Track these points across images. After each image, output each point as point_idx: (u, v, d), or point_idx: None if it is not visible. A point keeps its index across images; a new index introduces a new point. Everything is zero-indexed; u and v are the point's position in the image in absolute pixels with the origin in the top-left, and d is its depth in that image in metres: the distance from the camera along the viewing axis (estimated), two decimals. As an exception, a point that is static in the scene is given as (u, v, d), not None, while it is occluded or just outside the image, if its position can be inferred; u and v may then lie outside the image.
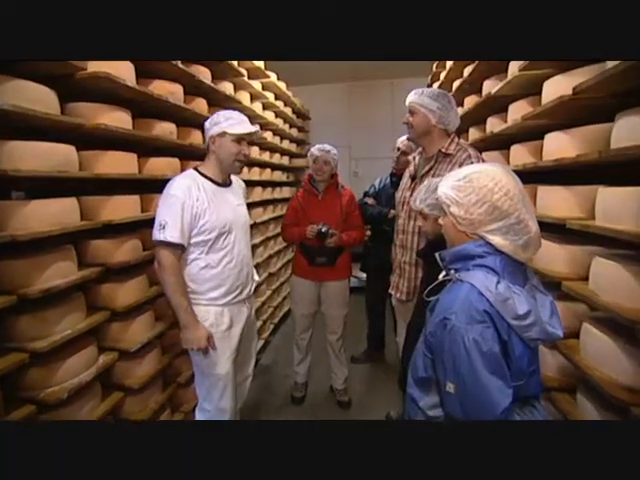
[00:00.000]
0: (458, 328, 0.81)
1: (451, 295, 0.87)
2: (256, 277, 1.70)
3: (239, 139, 1.45)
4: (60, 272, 1.30)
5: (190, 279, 1.46)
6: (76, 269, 1.40)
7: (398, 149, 2.44)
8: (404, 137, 2.43)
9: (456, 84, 2.50)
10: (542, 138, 1.57)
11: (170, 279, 1.36)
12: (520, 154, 1.62)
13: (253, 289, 1.65)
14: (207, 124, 1.47)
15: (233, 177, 1.61)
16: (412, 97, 1.60)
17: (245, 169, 3.04)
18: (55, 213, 1.28)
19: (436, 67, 3.19)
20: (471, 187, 0.86)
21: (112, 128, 1.46)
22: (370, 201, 2.54)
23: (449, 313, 0.83)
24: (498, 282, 0.83)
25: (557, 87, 1.24)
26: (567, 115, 1.28)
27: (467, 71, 2.23)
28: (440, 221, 0.98)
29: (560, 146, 1.27)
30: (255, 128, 1.47)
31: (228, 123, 1.42)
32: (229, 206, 1.49)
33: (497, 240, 0.85)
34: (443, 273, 1.03)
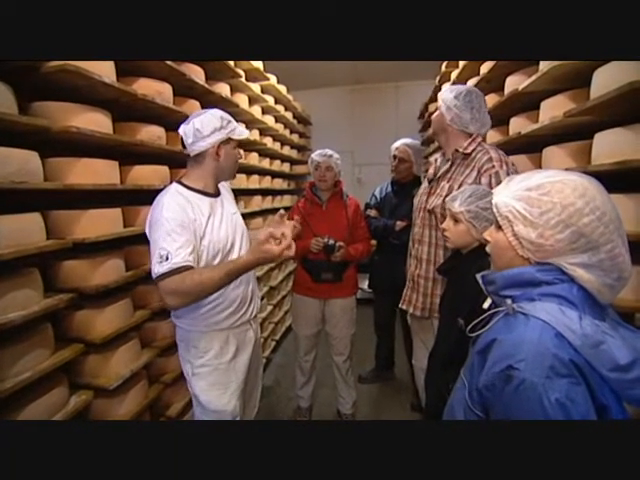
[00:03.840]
0: (532, 384, 0.59)
1: (515, 335, 0.64)
2: (258, 301, 1.47)
3: (237, 144, 1.30)
4: (17, 303, 1.08)
5: None
6: (40, 297, 1.19)
7: (394, 157, 2.29)
8: (398, 143, 2.30)
9: (471, 83, 2.30)
10: (582, 139, 1.37)
11: (200, 286, 1.06)
12: (558, 158, 1.41)
13: (258, 307, 1.43)
14: (202, 129, 1.18)
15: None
16: (444, 92, 1.47)
17: (244, 177, 2.86)
18: (12, 231, 1.07)
19: (446, 67, 3.01)
20: (550, 202, 0.63)
21: (86, 132, 1.26)
22: (373, 213, 2.37)
23: (516, 361, 0.61)
24: (580, 318, 0.61)
25: (617, 75, 1.04)
26: (627, 109, 1.08)
27: (485, 68, 2.04)
28: (487, 236, 0.75)
29: (620, 146, 1.07)
30: (248, 131, 1.34)
31: (231, 127, 1.24)
32: (226, 219, 1.29)
33: (580, 273, 0.63)
34: (489, 301, 0.81)
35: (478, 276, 0.76)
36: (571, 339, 0.60)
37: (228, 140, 1.24)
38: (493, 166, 1.31)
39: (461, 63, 2.52)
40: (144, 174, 1.64)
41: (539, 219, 0.64)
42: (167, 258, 1.06)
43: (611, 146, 1.12)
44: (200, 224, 1.18)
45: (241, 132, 1.27)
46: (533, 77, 1.49)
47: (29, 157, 1.12)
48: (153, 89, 1.64)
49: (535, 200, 0.65)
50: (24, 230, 1.12)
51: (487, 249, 0.76)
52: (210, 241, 1.19)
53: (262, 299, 3.01)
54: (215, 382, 1.26)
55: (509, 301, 0.68)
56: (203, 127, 1.19)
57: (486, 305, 0.76)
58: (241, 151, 1.32)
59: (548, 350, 0.59)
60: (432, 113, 1.62)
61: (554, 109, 1.43)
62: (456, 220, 1.17)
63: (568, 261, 0.63)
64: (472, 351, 0.76)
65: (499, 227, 0.71)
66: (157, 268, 1.07)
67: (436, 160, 1.57)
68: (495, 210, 0.71)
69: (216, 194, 1.31)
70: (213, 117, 1.21)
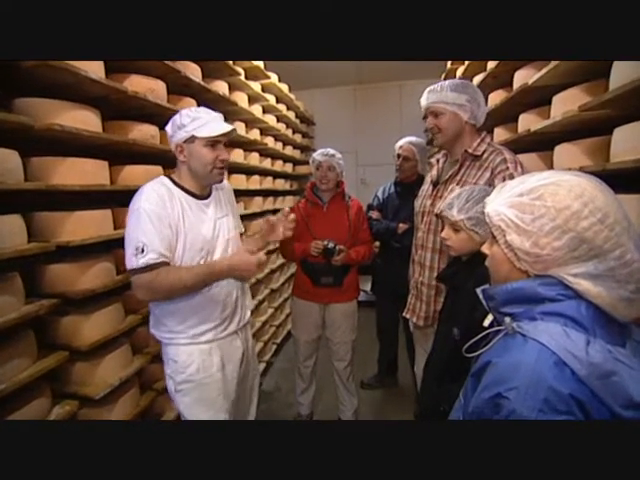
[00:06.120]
0: (522, 417, 0.52)
1: (509, 359, 0.57)
2: (248, 303, 1.39)
3: (213, 142, 1.15)
4: (-7, 309, 1.03)
5: (164, 315, 1.18)
6: (21, 303, 1.14)
7: (399, 156, 2.21)
8: (402, 141, 2.23)
9: (478, 79, 2.22)
10: (597, 135, 1.28)
11: (170, 286, 1.07)
12: (572, 155, 1.32)
13: (247, 317, 1.35)
14: (169, 129, 1.19)
15: None
16: (432, 96, 1.34)
17: (244, 177, 2.79)
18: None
19: (451, 64, 2.93)
20: (543, 207, 0.57)
21: (71, 130, 1.21)
22: (375, 215, 2.30)
23: (506, 389, 0.54)
24: (588, 342, 0.53)
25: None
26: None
27: (492, 63, 1.96)
28: (484, 249, 0.69)
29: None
30: (230, 127, 1.17)
31: (196, 124, 1.13)
32: (208, 221, 1.21)
33: (585, 286, 0.55)
34: (489, 318, 0.74)
35: (479, 290, 0.69)
36: (575, 368, 0.52)
37: (192, 139, 1.14)
38: (507, 168, 1.24)
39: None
40: (136, 174, 1.58)
41: (532, 226, 0.58)
42: (143, 251, 1.04)
43: (633, 142, 1.03)
44: (179, 220, 1.13)
45: (205, 132, 1.12)
46: (544, 70, 1.40)
47: (7, 156, 1.06)
48: (145, 86, 1.58)
49: (527, 206, 0.58)
50: (2, 232, 1.06)
51: (486, 263, 0.69)
52: (186, 242, 1.14)
53: (263, 301, 2.96)
54: (200, 398, 1.19)
55: (508, 319, 0.61)
56: (169, 128, 1.18)
57: (487, 323, 0.69)
58: (223, 152, 1.18)
59: (544, 380, 0.52)
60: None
61: (567, 103, 1.34)
62: (456, 229, 1.09)
63: (570, 272, 0.56)
64: (470, 372, 0.69)
65: (494, 238, 0.64)
66: (133, 261, 1.05)
67: (438, 161, 1.49)
68: (488, 220, 0.64)
69: (203, 197, 1.23)
70: (180, 116, 1.15)
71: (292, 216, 1.35)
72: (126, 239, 1.09)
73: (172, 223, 1.11)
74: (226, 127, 1.16)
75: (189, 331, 1.18)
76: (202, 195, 1.23)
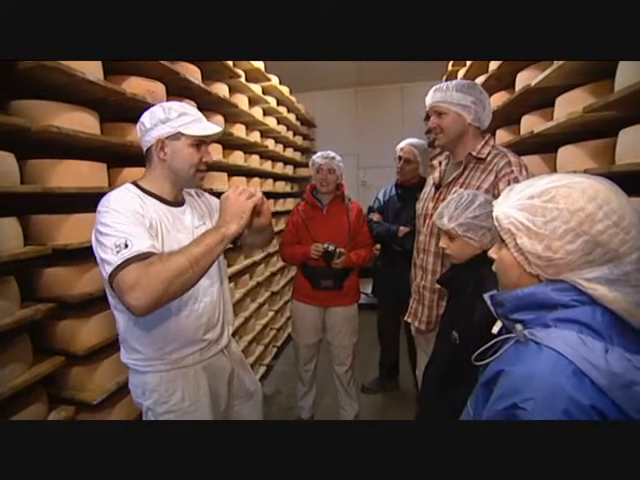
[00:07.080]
0: None
1: (523, 368, 0.55)
2: (231, 320, 1.24)
3: (199, 143, 1.03)
4: (-13, 314, 1.01)
5: (139, 340, 1.02)
6: (16, 307, 1.12)
7: (400, 158, 2.19)
8: (404, 143, 2.21)
9: (480, 81, 2.21)
10: (602, 137, 1.26)
11: (164, 274, 0.82)
12: (576, 158, 1.30)
13: (230, 334, 1.22)
14: (146, 121, 1.01)
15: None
16: (437, 95, 1.32)
17: (244, 180, 2.77)
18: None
19: (452, 65, 2.92)
20: (556, 209, 0.55)
21: (68, 132, 1.19)
22: (376, 217, 2.28)
23: (522, 399, 0.51)
24: (606, 351, 0.51)
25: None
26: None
27: (495, 64, 1.95)
28: (492, 254, 0.67)
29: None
30: (220, 128, 1.06)
31: (183, 120, 1.00)
32: (184, 231, 1.06)
33: (601, 291, 0.53)
34: (498, 325, 0.72)
35: (486, 297, 0.67)
36: (594, 377, 0.49)
37: (178, 135, 1.00)
38: (512, 171, 1.22)
39: (468, 61, 2.42)
40: (134, 177, 1.54)
41: (544, 229, 0.56)
42: (127, 245, 0.83)
43: (639, 143, 1.02)
44: (153, 227, 0.97)
45: (194, 130, 1.00)
46: (547, 71, 1.39)
47: (3, 158, 1.05)
48: (144, 88, 1.57)
49: (539, 208, 0.56)
50: (-2, 236, 1.05)
51: (493, 268, 0.67)
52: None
53: (263, 305, 2.94)
54: None
55: (519, 326, 0.59)
56: (146, 119, 1.01)
57: (495, 329, 0.67)
58: (207, 154, 1.06)
59: (562, 390, 0.49)
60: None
61: (571, 105, 1.32)
62: (451, 237, 1.09)
63: (585, 276, 0.54)
64: (479, 381, 0.66)
65: (503, 242, 0.62)
66: (115, 260, 0.83)
67: (440, 163, 1.47)
68: (496, 224, 0.62)
69: (177, 203, 1.08)
70: (162, 108, 1.01)
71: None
72: (99, 248, 0.89)
73: (153, 226, 0.96)
74: (216, 128, 1.05)
75: (169, 356, 1.04)
76: (177, 201, 1.09)
